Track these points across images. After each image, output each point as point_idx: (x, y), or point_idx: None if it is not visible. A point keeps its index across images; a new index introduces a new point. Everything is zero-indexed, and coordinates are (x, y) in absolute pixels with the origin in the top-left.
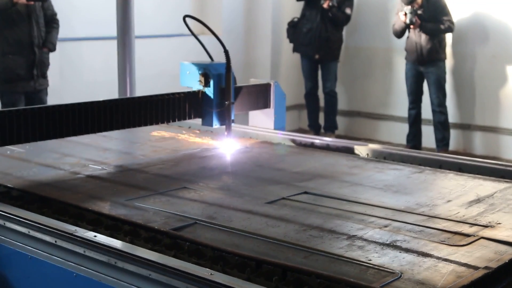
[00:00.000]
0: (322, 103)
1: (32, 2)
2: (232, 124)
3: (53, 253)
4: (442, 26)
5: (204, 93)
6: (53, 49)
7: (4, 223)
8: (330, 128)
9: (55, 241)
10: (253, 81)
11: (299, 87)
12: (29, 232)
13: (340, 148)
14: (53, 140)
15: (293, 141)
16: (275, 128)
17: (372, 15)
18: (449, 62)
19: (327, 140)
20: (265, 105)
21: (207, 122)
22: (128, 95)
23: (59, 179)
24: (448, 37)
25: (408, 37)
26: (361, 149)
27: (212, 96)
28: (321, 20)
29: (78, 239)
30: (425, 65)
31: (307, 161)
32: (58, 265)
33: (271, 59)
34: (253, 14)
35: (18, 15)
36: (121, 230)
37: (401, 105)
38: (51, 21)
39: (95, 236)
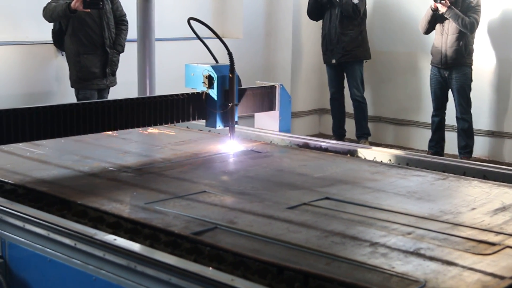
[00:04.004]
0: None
1: (88, 10)
2: (237, 126)
3: (72, 256)
4: (466, 19)
5: (208, 95)
6: (121, 51)
7: (24, 225)
8: (363, 136)
9: (75, 244)
10: (258, 83)
11: (320, 91)
12: (48, 234)
13: (341, 151)
14: (72, 142)
15: (290, 142)
16: (280, 131)
17: (395, 18)
18: (474, 67)
19: (333, 143)
20: (270, 107)
21: (211, 124)
22: None
23: (79, 181)
24: (475, 42)
25: (434, 38)
26: (365, 153)
27: (215, 97)
28: (329, 23)
29: (98, 242)
30: (449, 70)
31: (328, 166)
32: (77, 268)
33: (291, 63)
34: (274, 18)
35: (91, 18)
36: (141, 233)
37: (424, 111)
38: (120, 23)
39: (114, 239)
